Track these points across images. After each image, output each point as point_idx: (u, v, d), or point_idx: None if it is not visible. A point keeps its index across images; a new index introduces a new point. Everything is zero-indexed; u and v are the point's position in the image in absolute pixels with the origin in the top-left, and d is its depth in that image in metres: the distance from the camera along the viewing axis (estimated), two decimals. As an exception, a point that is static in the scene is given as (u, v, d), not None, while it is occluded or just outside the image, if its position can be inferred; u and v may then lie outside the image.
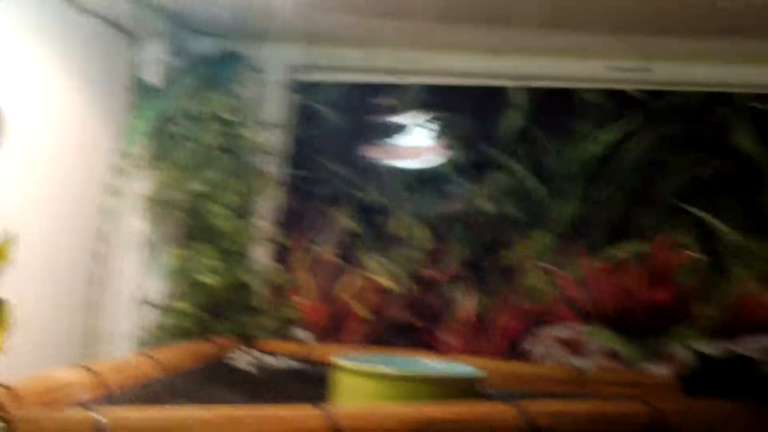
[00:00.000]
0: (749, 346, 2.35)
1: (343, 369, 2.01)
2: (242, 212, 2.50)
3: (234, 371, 2.29)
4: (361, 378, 1.99)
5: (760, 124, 2.56)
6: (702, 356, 2.18)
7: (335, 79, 2.79)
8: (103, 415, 1.50)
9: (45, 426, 1.47)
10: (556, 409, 1.88)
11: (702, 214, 2.53)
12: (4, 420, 1.44)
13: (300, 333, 2.61)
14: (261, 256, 2.60)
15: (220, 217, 2.43)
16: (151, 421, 1.56)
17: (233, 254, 2.46)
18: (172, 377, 2.11)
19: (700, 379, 2.11)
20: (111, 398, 1.86)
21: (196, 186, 2.43)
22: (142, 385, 2.00)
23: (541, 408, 1.85)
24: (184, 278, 2.40)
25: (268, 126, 2.67)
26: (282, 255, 2.67)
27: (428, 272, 2.63)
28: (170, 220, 2.45)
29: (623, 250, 2.55)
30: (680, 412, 1.95)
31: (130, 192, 2.46)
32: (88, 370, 1.90)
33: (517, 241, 2.60)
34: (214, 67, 2.62)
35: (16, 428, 1.45)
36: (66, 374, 1.84)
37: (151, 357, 2.13)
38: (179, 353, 2.24)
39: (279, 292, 2.62)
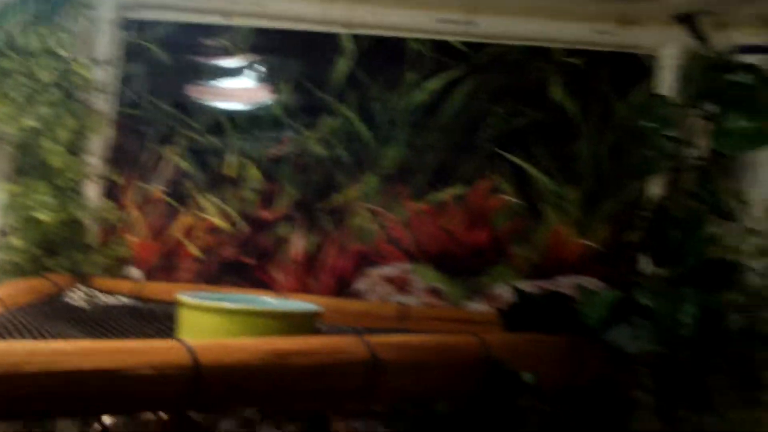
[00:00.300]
0: (564, 285, 2.54)
1: (187, 305, 2.06)
2: (74, 149, 2.48)
3: (71, 308, 2.30)
4: (206, 314, 2.04)
5: (572, 78, 2.74)
6: (521, 294, 2.33)
7: (165, 17, 2.79)
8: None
9: None
10: (396, 341, 1.99)
11: (519, 161, 2.69)
12: None
13: (132, 271, 2.62)
14: (92, 193, 2.59)
15: (52, 153, 2.41)
16: (11, 353, 1.57)
17: (66, 191, 2.45)
18: (13, 312, 2.11)
19: (520, 315, 2.27)
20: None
21: (28, 121, 2.39)
22: (-17, 320, 1.99)
23: (381, 341, 1.96)
24: (16, 214, 2.38)
25: (99, 63, 2.65)
26: (113, 193, 2.67)
27: (260, 212, 2.68)
28: (4, 155, 2.41)
29: (445, 194, 2.69)
30: (505, 344, 2.11)
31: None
32: (-68, 304, 1.88)
33: (346, 184, 2.70)
34: (43, 2, 2.57)
35: None
36: None
37: (-8, 293, 2.12)
38: (17, 289, 2.23)
39: (111, 230, 2.62)
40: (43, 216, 2.36)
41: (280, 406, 2.00)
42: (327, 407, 2.13)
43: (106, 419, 1.76)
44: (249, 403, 1.88)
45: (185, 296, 2.08)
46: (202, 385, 1.70)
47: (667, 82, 2.66)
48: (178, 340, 1.73)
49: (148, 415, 1.77)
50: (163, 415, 1.77)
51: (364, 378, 1.89)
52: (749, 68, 2.38)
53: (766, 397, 2.25)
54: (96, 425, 1.77)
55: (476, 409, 2.09)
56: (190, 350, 1.71)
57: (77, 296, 2.35)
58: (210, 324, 2.02)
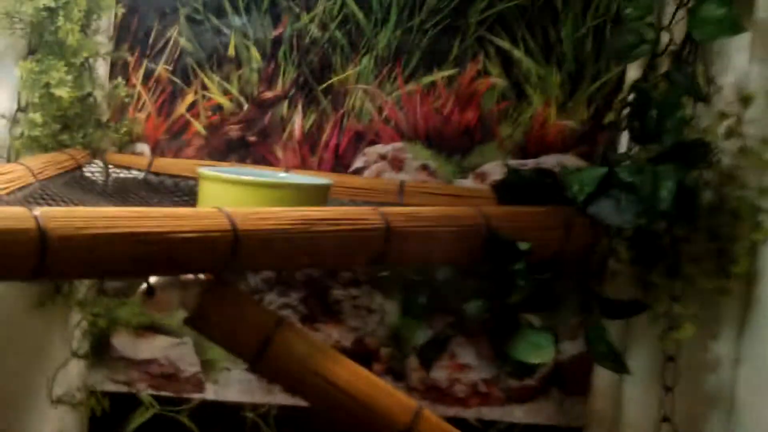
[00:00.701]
0: (547, 163, 2.72)
1: (209, 178, 2.20)
2: (86, 28, 2.58)
3: (91, 181, 2.43)
4: (226, 186, 2.19)
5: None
6: (511, 170, 2.50)
7: None
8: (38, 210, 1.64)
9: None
10: (406, 211, 2.17)
11: (505, 44, 2.83)
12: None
13: (140, 147, 2.74)
14: (102, 71, 2.70)
15: (66, 31, 2.49)
16: (72, 217, 1.71)
17: (79, 68, 2.55)
18: (43, 183, 2.24)
19: (511, 189, 2.45)
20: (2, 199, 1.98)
21: (44, 0, 2.47)
22: (21, 189, 2.12)
23: (393, 211, 2.13)
24: (34, 90, 2.47)
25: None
26: (122, 71, 2.78)
27: (261, 92, 2.81)
28: (19, 34, 2.49)
29: (436, 76, 2.83)
30: (501, 215, 2.29)
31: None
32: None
33: (342, 65, 2.82)
34: None
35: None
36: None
37: (23, 165, 2.24)
38: (44, 162, 2.35)
39: (121, 107, 2.74)
40: (61, 92, 2.46)
41: (307, 267, 2.17)
42: (346, 268, 2.30)
43: (152, 279, 1.91)
44: (279, 265, 2.04)
45: (206, 170, 2.22)
46: (240, 248, 1.86)
47: (645, -30, 2.79)
48: (218, 208, 1.88)
49: (189, 277, 1.93)
50: (202, 276, 1.93)
51: (378, 243, 2.07)
52: (723, -42, 2.53)
53: (732, 266, 2.46)
54: (143, 285, 1.92)
55: (474, 274, 2.28)
56: (229, 217, 1.87)
57: (94, 170, 2.48)
58: (230, 195, 2.17)
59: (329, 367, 1.98)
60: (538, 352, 2.23)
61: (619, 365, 2.37)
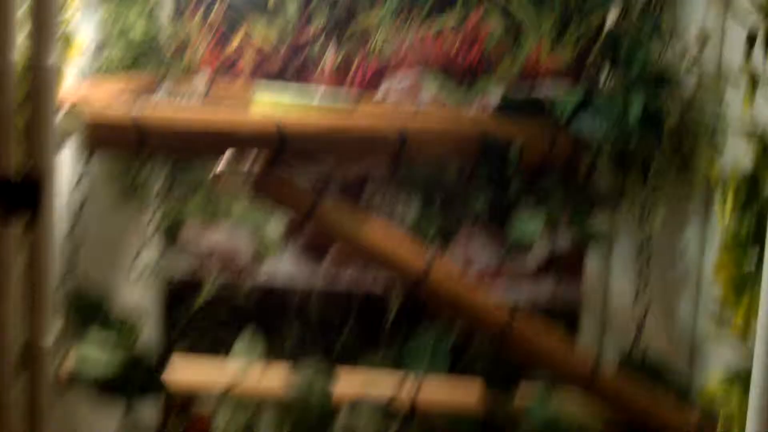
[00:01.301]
0: (539, 91, 3.17)
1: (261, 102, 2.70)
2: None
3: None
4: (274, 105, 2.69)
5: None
6: (505, 97, 2.98)
7: None
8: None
9: (107, 116, 2.12)
10: (418, 121, 2.67)
11: (504, -6, 3.31)
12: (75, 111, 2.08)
13: (199, 75, 3.23)
14: (166, 14, 3.20)
15: (140, -19, 3.03)
16: (162, 111, 2.23)
17: (149, 12, 3.07)
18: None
19: (506, 111, 2.93)
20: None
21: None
22: (111, 104, 2.64)
23: (407, 121, 2.63)
24: (114, 28, 3.00)
25: None
26: (182, 15, 3.28)
27: (297, 36, 3.30)
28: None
29: (445, 21, 3.30)
30: (494, 125, 2.79)
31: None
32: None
33: (365, 12, 3.31)
34: None
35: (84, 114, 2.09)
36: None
37: (111, 83, 2.76)
38: (125, 83, 2.88)
39: (182, 44, 3.24)
40: (134, 32, 2.99)
41: (338, 162, 2.67)
42: (369, 167, 2.80)
43: (220, 167, 2.43)
44: (316, 161, 2.55)
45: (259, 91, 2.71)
46: (285, 141, 2.37)
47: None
48: (267, 115, 2.40)
49: (246, 167, 2.44)
50: (256, 167, 2.45)
51: (396, 146, 2.57)
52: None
53: (690, 175, 2.93)
54: (214, 170, 2.44)
55: (478, 176, 2.77)
56: (277, 121, 2.38)
57: (160, 93, 2.99)
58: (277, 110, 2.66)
59: (361, 226, 2.50)
60: (530, 230, 2.76)
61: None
